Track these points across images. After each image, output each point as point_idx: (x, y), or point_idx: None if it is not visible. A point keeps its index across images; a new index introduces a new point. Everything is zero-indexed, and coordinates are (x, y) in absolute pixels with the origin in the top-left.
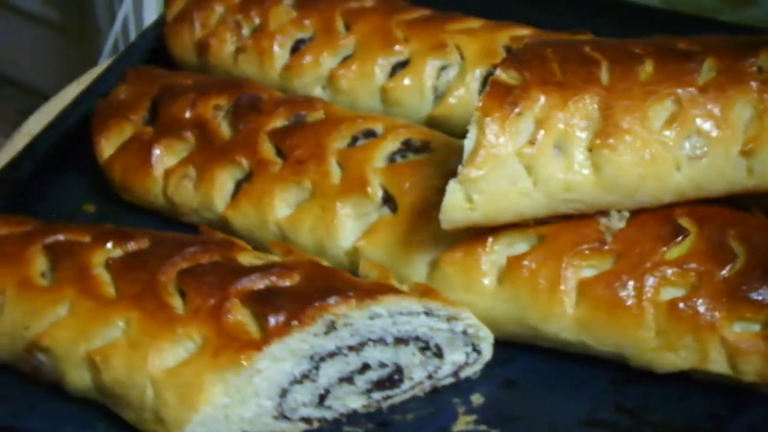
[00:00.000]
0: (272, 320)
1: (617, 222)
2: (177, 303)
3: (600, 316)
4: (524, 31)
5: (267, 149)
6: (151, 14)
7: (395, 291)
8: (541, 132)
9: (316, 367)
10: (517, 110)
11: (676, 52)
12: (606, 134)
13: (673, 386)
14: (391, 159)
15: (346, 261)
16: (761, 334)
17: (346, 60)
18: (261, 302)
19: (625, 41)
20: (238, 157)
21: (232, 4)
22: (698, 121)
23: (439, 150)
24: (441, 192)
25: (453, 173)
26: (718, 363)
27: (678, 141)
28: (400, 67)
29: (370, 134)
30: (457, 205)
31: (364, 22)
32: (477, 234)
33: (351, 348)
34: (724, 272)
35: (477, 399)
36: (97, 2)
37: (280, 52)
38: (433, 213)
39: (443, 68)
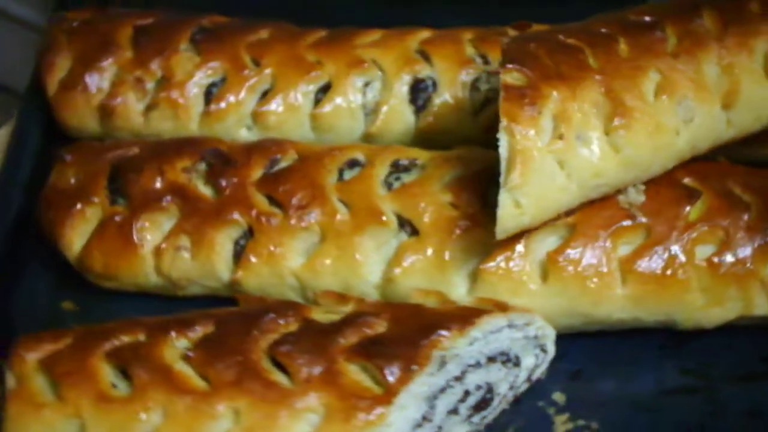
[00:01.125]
0: (389, 371)
1: (636, 196)
2: (281, 378)
3: (649, 289)
4: (426, 34)
5: (261, 201)
6: None
7: (482, 312)
8: (562, 125)
9: (432, 407)
10: (536, 109)
11: (638, 25)
12: (617, 116)
13: (719, 339)
14: (388, 183)
15: (376, 294)
16: None
17: (266, 95)
18: (368, 356)
19: (584, 24)
20: (232, 216)
21: (125, 60)
22: (682, 85)
23: (428, 165)
24: (455, 206)
25: (456, 186)
26: (762, 306)
27: (672, 108)
28: (322, 91)
29: (354, 164)
30: (510, 214)
31: (272, 53)
32: (509, 238)
33: (456, 378)
34: (744, 220)
35: (559, 397)
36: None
37: (194, 101)
38: (458, 227)
39: (366, 84)
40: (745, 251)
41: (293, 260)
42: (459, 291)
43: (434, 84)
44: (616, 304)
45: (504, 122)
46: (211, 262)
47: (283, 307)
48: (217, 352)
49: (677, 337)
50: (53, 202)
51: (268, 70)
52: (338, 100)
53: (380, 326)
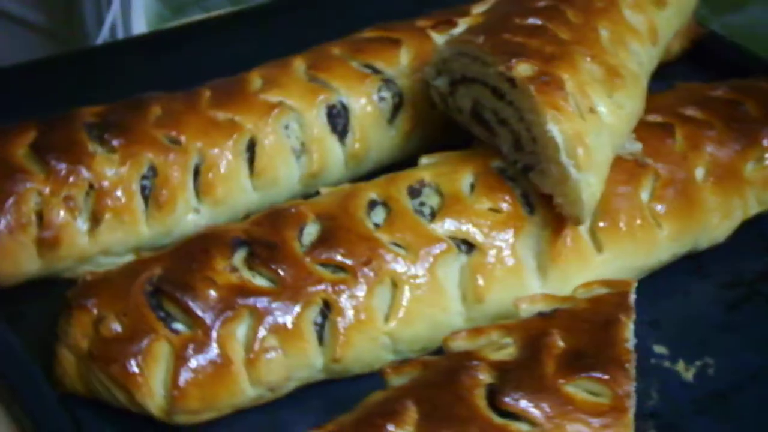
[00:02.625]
0: (610, 377)
1: (633, 146)
2: (523, 427)
3: (682, 224)
4: (300, 62)
5: (324, 273)
6: (138, 18)
7: (625, 293)
8: (584, 100)
9: None
10: (565, 92)
11: None
12: (611, 77)
13: (732, 248)
14: (420, 212)
15: (462, 321)
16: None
17: (200, 171)
18: (580, 370)
19: (517, 2)
20: (307, 298)
21: (39, 184)
22: (624, 35)
23: (437, 181)
24: (496, 210)
25: (482, 192)
26: (754, 206)
27: (630, 56)
28: (249, 150)
29: (374, 204)
30: (590, 194)
31: (184, 126)
32: (552, 221)
33: None
34: (713, 136)
35: (660, 349)
36: (85, 7)
37: (135, 202)
38: (510, 228)
39: (286, 128)
40: (729, 161)
41: (380, 319)
42: (534, 287)
43: (344, 106)
44: (661, 247)
45: (548, 114)
46: (303, 351)
47: (465, 361)
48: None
49: (701, 259)
50: (108, 356)
51: (192, 145)
52: (269, 152)
53: (560, 341)
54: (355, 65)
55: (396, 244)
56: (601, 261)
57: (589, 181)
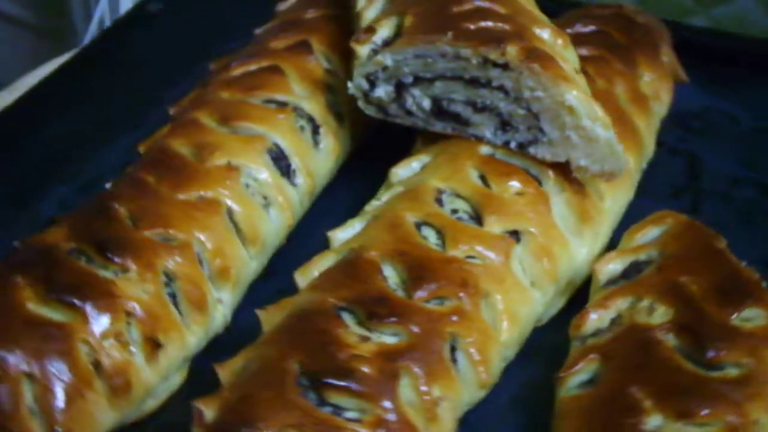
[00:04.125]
0: None
1: None
2: None
3: (634, 153)
4: (206, 118)
5: (439, 309)
6: None
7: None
8: (566, 63)
9: None
10: (557, 60)
11: None
12: (561, 37)
13: None
14: (461, 218)
15: (541, 308)
16: None
17: (206, 259)
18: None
19: None
20: (441, 338)
21: (80, 333)
22: None
23: (450, 185)
24: (521, 193)
25: (499, 177)
26: (657, 117)
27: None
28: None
29: (419, 226)
30: (621, 147)
31: (163, 219)
32: (562, 186)
33: None
34: (618, 69)
35: None
36: (73, 2)
37: (174, 314)
38: (545, 205)
39: (247, 186)
40: (633, 85)
41: (494, 332)
42: (579, 252)
43: (278, 147)
44: (634, 176)
45: (562, 84)
46: (457, 390)
47: (649, 332)
48: None
49: None
50: None
51: (187, 237)
52: (247, 216)
53: (695, 285)
54: (259, 103)
55: (470, 257)
56: (609, 207)
57: (615, 134)
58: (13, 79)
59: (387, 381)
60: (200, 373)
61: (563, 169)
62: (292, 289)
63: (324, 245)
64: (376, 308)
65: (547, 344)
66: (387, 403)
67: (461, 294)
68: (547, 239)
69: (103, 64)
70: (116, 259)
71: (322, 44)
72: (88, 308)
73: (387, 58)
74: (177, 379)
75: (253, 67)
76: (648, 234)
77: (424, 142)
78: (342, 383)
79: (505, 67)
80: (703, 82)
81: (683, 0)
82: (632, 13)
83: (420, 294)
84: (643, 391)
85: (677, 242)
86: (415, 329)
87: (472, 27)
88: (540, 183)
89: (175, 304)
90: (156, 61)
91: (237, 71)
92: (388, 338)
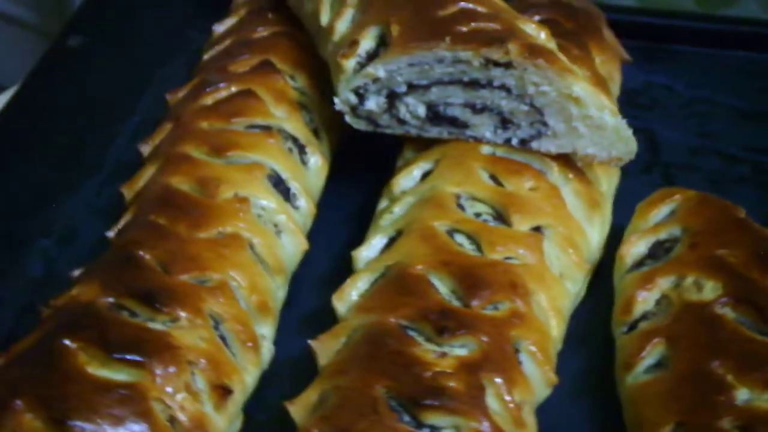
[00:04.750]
0: None
1: None
2: None
3: None
4: (194, 151)
5: (499, 314)
6: None
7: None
8: (561, 53)
9: None
10: (555, 53)
11: None
12: (542, 28)
13: None
14: (486, 221)
15: (574, 299)
16: None
17: (244, 297)
18: None
19: None
20: (507, 341)
21: (150, 391)
22: None
23: (465, 189)
24: (535, 188)
25: (510, 174)
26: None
27: None
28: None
29: (453, 233)
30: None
31: (196, 261)
32: (565, 176)
33: None
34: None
35: None
36: (75, 3)
37: (229, 357)
38: (558, 198)
39: (259, 216)
40: (593, 68)
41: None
42: (593, 239)
43: (275, 172)
44: None
45: (569, 76)
46: (530, 391)
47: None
48: None
49: None
50: None
51: (224, 276)
52: (267, 247)
53: (734, 258)
54: (242, 129)
55: (508, 258)
56: (606, 190)
57: (622, 120)
58: (14, 80)
59: (475, 394)
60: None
61: (564, 160)
62: (311, 314)
63: (328, 265)
64: (443, 322)
65: (575, 333)
66: (480, 417)
67: (514, 296)
68: (569, 230)
69: (38, 108)
70: (165, 309)
71: (284, 62)
72: (154, 364)
73: (379, 70)
74: (238, 423)
75: (223, 93)
76: (660, 212)
77: (414, 149)
78: (436, 402)
79: (507, 65)
80: (638, 61)
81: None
82: None
83: (477, 302)
84: (723, 366)
85: (698, 217)
86: (485, 338)
87: (465, 29)
88: (546, 176)
89: (227, 347)
90: (94, 97)
91: (207, 99)
92: (458, 350)
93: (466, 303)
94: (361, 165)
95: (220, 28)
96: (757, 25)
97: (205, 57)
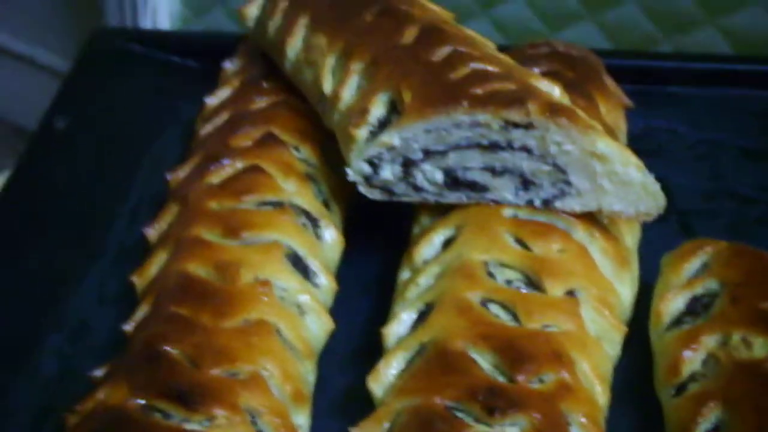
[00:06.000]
0: None
1: None
2: None
3: None
4: (207, 234)
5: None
6: None
7: None
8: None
9: None
10: (575, 109)
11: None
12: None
13: None
14: (518, 287)
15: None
16: None
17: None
18: None
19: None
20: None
21: None
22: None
23: (493, 257)
24: (564, 251)
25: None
26: None
27: None
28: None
29: (487, 302)
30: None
31: (226, 355)
32: (590, 233)
33: None
34: None
35: None
36: None
37: None
38: (587, 263)
39: (282, 299)
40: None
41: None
42: (625, 298)
43: (292, 250)
44: None
45: (592, 133)
46: None
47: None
48: None
49: None
50: None
51: (255, 367)
52: (292, 329)
53: None
54: (254, 207)
55: (547, 326)
56: (631, 242)
57: (649, 174)
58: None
59: None
60: None
61: (588, 218)
62: (343, 396)
63: (353, 342)
64: (492, 401)
65: (617, 396)
66: None
67: (559, 367)
68: (602, 291)
69: (29, 196)
70: (200, 408)
71: (286, 134)
72: None
73: (394, 138)
74: None
75: (228, 170)
76: (692, 266)
77: (430, 215)
78: None
79: (528, 126)
80: (636, 104)
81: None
82: (565, 47)
83: (522, 377)
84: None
85: (735, 269)
86: (536, 415)
87: (480, 91)
88: (571, 236)
89: None
90: (87, 179)
91: (213, 178)
92: (510, 429)
93: (511, 378)
94: (373, 233)
95: (213, 100)
96: (755, 62)
97: (202, 132)
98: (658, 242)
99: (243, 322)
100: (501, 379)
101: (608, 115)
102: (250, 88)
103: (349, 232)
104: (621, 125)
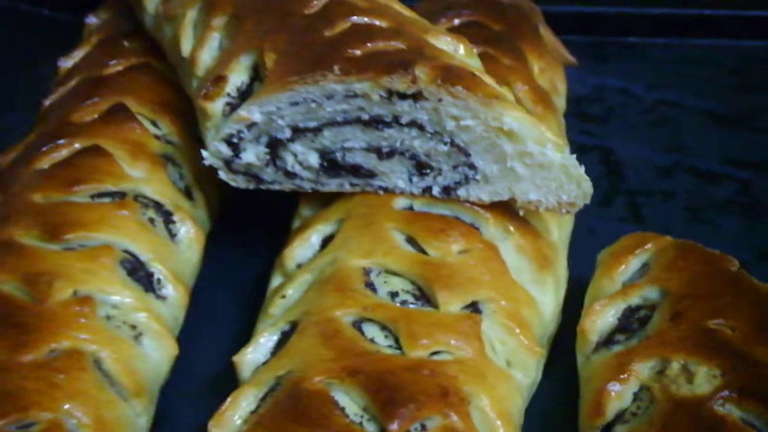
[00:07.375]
0: None
1: None
2: None
3: None
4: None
5: None
6: None
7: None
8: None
9: None
10: (478, 76)
11: None
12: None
13: None
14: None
15: None
16: None
17: None
18: None
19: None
20: None
21: None
22: None
23: (384, 261)
24: (466, 251)
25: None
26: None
27: None
28: None
29: (361, 323)
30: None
31: None
32: (506, 228)
33: None
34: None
35: None
36: None
37: None
38: (495, 265)
39: (108, 318)
40: (531, 78)
41: None
42: (546, 304)
43: (132, 255)
44: None
45: (497, 103)
46: None
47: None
48: None
49: None
50: None
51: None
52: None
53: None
54: (87, 200)
55: (436, 353)
56: (558, 239)
57: (571, 156)
58: None
59: None
60: None
61: (502, 209)
62: None
63: (210, 370)
64: None
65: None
66: None
67: (446, 409)
68: (513, 303)
69: None
70: None
71: (143, 105)
72: None
73: (254, 112)
74: None
75: (63, 152)
76: (630, 267)
77: (312, 206)
78: None
79: (416, 96)
80: (586, 60)
81: None
82: None
83: (396, 424)
84: None
85: (678, 274)
86: None
87: (359, 53)
88: (479, 231)
89: None
90: None
91: (43, 162)
92: None
93: (383, 426)
94: (252, 227)
95: (67, 63)
96: (731, 6)
97: (46, 102)
98: (600, 231)
99: (48, 354)
100: (369, 428)
101: (542, 75)
102: (107, 48)
103: (220, 226)
104: (559, 87)
